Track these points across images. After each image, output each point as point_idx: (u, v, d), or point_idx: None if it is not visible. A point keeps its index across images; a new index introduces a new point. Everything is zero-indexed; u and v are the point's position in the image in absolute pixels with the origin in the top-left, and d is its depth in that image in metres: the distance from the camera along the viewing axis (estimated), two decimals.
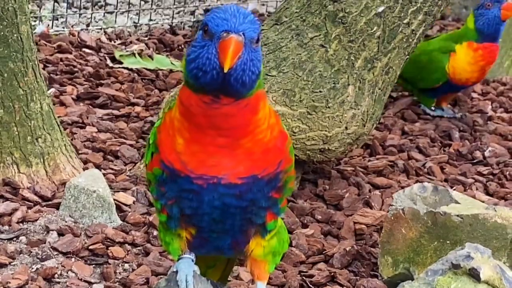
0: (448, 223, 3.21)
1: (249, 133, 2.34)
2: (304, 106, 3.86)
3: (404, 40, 3.97)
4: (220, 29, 2.14)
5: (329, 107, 3.90)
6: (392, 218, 3.32)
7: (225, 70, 2.20)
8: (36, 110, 3.71)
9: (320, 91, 3.89)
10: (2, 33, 3.54)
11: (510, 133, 4.95)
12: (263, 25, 4.10)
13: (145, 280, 3.18)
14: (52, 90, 4.32)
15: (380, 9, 3.86)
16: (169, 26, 5.95)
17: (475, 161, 4.57)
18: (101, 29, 5.66)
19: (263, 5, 6.66)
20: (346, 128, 3.95)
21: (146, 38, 5.66)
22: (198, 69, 2.18)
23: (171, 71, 5.17)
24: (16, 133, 3.67)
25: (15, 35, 3.59)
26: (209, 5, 6.44)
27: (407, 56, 4.10)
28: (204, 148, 2.33)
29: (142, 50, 5.31)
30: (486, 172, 4.41)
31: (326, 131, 3.89)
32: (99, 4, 6.09)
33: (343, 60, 3.93)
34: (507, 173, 4.40)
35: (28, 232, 3.43)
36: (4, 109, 3.62)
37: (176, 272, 2.53)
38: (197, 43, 2.23)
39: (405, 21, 3.91)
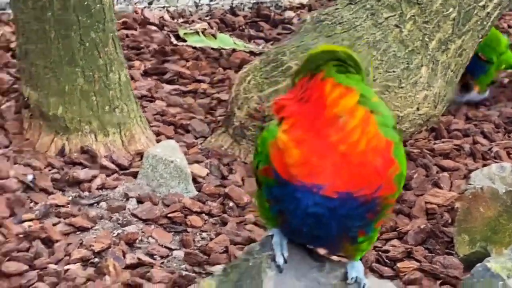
0: None
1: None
2: (377, 85, 3.86)
3: (479, 22, 3.97)
4: None
5: (402, 87, 3.91)
6: (470, 196, 3.33)
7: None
8: (115, 80, 3.78)
9: (394, 71, 3.91)
10: (86, 2, 3.60)
11: None
12: (337, 4, 4.14)
13: (224, 249, 3.22)
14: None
15: None
16: (229, 7, 5.96)
17: None
18: (163, 7, 5.70)
19: None
20: (418, 109, 3.96)
21: (207, 18, 5.71)
22: None
23: (234, 50, 5.20)
24: (95, 102, 3.74)
25: (97, 5, 3.65)
26: None
27: (480, 39, 4.11)
28: (314, 156, 2.38)
29: (205, 29, 5.37)
30: None
31: (398, 111, 3.89)
32: None
33: (417, 41, 3.93)
34: None
35: (108, 198, 3.50)
36: (85, 78, 3.69)
37: (271, 236, 2.57)
38: None
39: (480, 4, 3.91)
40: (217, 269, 2.86)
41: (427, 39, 3.95)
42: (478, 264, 2.83)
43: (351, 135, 2.36)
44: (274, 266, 2.51)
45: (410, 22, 3.94)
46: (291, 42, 4.13)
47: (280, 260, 2.51)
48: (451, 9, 3.91)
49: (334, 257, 2.64)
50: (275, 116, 2.51)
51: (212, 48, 5.17)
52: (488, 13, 3.98)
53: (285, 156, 2.35)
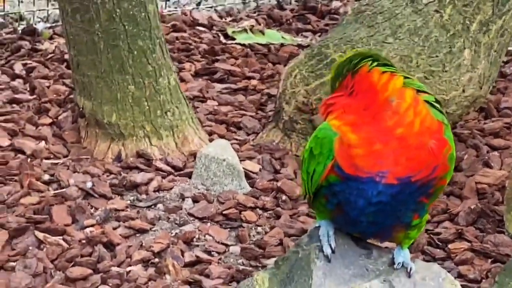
0: None
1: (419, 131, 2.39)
2: (421, 71, 3.89)
3: None
4: None
5: (446, 71, 3.92)
6: None
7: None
8: (164, 85, 3.84)
9: (437, 56, 3.92)
10: (131, 12, 3.66)
11: None
12: None
13: (279, 241, 3.28)
14: (172, 68, 4.44)
15: None
16: (276, 2, 5.99)
17: None
18: (211, 7, 5.78)
19: None
20: (463, 91, 3.97)
21: (255, 15, 5.74)
22: None
23: (282, 44, 5.23)
24: (147, 107, 3.81)
25: (143, 14, 3.71)
26: None
27: None
28: (376, 145, 2.41)
29: (253, 26, 5.40)
30: None
31: (444, 94, 3.92)
32: None
33: (458, 25, 3.93)
34: None
35: (165, 200, 3.58)
36: (135, 85, 3.76)
37: (318, 227, 2.61)
38: None
39: None
40: (272, 262, 2.91)
41: (468, 22, 3.94)
42: None
43: (405, 116, 2.40)
44: (322, 256, 2.56)
45: (450, 7, 3.93)
46: (334, 34, 4.16)
47: (327, 250, 2.56)
48: None
49: (381, 245, 2.70)
50: (324, 116, 2.57)
51: (261, 44, 5.20)
52: None
53: (351, 149, 2.38)
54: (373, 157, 2.41)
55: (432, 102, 2.49)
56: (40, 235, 3.27)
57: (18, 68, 4.54)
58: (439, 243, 3.39)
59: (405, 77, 2.48)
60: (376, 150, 2.40)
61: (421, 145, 2.42)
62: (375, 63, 2.48)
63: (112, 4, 3.67)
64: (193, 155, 3.82)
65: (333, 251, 2.58)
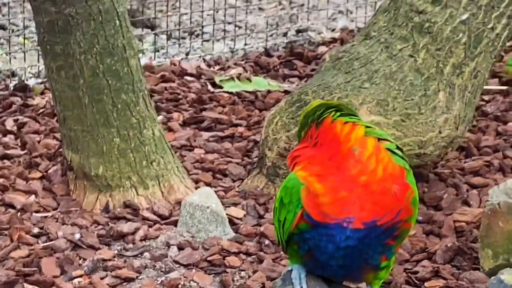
0: None
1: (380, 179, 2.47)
2: (397, 114, 3.91)
3: (490, 44, 3.97)
4: None
5: (421, 113, 3.94)
6: (490, 213, 3.36)
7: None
8: (149, 136, 3.87)
9: (412, 99, 3.94)
10: (114, 67, 3.70)
11: None
12: (353, 41, 4.23)
13: (261, 285, 3.31)
14: (160, 117, 4.48)
15: (464, 16, 3.89)
16: (263, 49, 6.01)
17: None
18: (200, 57, 5.77)
19: (352, 21, 6.70)
20: (440, 132, 3.98)
21: (243, 62, 5.71)
22: None
23: (268, 91, 5.25)
24: (133, 159, 3.84)
25: (125, 68, 3.75)
26: (300, 26, 6.47)
27: (494, 59, 4.13)
28: (341, 193, 2.47)
29: (240, 74, 5.40)
30: None
31: (420, 136, 3.94)
32: (195, 33, 6.21)
33: (432, 68, 3.96)
34: None
35: (151, 248, 3.59)
36: (120, 137, 3.79)
37: (291, 271, 2.66)
38: None
39: (489, 26, 3.90)
40: None
41: (441, 65, 3.96)
42: (493, 277, 2.92)
43: (368, 164, 2.46)
44: None
45: (423, 51, 3.93)
46: (313, 81, 4.19)
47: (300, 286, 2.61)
48: (461, 34, 3.92)
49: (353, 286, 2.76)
50: (291, 168, 2.64)
51: (248, 92, 5.21)
52: (498, 34, 3.96)
53: (318, 198, 2.45)
54: (339, 204, 2.48)
55: (393, 150, 2.54)
56: None
57: (9, 124, 4.56)
58: (416, 281, 3.40)
59: (367, 127, 2.55)
60: (341, 198, 2.47)
61: (384, 191, 2.48)
62: (338, 114, 2.53)
63: (95, 60, 3.69)
64: (179, 203, 3.83)
65: None
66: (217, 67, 5.60)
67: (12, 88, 5.11)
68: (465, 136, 4.36)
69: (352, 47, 4.14)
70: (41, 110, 4.77)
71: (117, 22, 3.72)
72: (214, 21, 6.25)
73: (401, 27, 3.99)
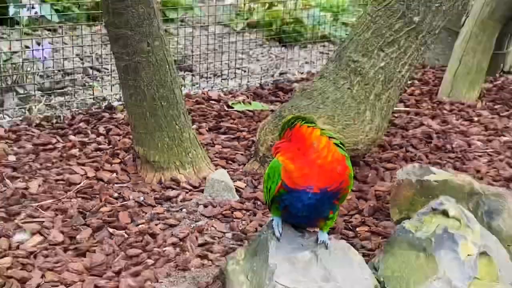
0: (430, 186, 3.25)
1: (329, 162, 2.47)
2: (340, 124, 3.88)
3: (398, 81, 3.94)
4: None
5: (355, 124, 3.91)
6: (396, 185, 3.38)
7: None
8: (186, 137, 3.84)
9: (349, 115, 3.92)
10: (165, 94, 3.67)
11: (466, 133, 4.91)
12: (314, 80, 4.19)
13: (255, 230, 3.30)
14: (194, 126, 4.44)
15: (382, 64, 3.87)
16: (259, 84, 5.98)
17: (446, 150, 4.49)
18: (219, 89, 5.74)
19: (314, 68, 6.68)
20: (366, 135, 3.96)
21: (246, 92, 5.66)
22: None
23: (262, 110, 5.20)
24: (176, 151, 3.81)
25: (172, 95, 3.72)
26: (282, 70, 6.48)
27: (401, 91, 4.10)
28: (306, 171, 2.49)
29: (244, 100, 5.41)
30: (453, 156, 4.42)
31: (354, 138, 3.91)
32: (217, 75, 6.21)
33: (362, 96, 3.93)
34: (466, 157, 4.42)
35: (187, 206, 3.57)
36: (169, 138, 3.77)
37: (272, 220, 2.67)
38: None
39: (397, 70, 3.88)
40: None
41: (367, 94, 3.93)
42: (398, 225, 2.90)
43: (322, 152, 2.49)
44: (274, 238, 2.62)
45: (357, 85, 3.92)
46: (288, 104, 4.15)
47: (277, 234, 2.62)
48: (380, 75, 3.90)
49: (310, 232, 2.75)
50: (274, 154, 2.63)
51: (249, 110, 5.16)
52: (403, 75, 3.95)
53: (291, 173, 2.47)
54: (304, 177, 2.51)
55: (338, 144, 2.58)
56: (111, 230, 3.27)
57: (101, 129, 4.55)
58: (351, 227, 3.41)
59: (322, 129, 2.59)
60: (305, 173, 2.50)
61: (332, 169, 2.52)
62: (304, 121, 2.56)
63: (153, 90, 3.68)
64: (205, 178, 3.80)
65: (280, 235, 2.63)
66: (230, 96, 5.59)
67: (103, 107, 5.09)
68: (382, 138, 4.34)
69: (313, 83, 4.13)
70: (121, 121, 4.74)
71: (167, 66, 3.71)
72: (228, 67, 6.24)
73: (343, 70, 3.97)
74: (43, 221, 3.33)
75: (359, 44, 3.93)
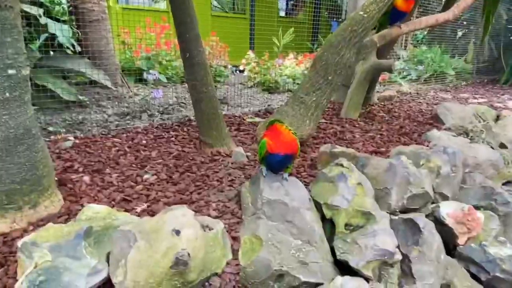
0: (335, 153, 3.22)
1: (289, 142, 2.42)
2: (295, 126, 3.81)
3: (322, 107, 3.87)
4: None
5: (302, 127, 3.84)
6: (320, 153, 3.40)
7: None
8: (224, 132, 3.75)
9: (299, 122, 3.85)
10: (213, 112, 3.60)
11: (353, 132, 4.73)
12: (283, 106, 4.07)
13: (255, 173, 3.07)
14: (228, 128, 4.18)
15: (314, 98, 3.88)
16: (258, 110, 5.76)
17: (343, 139, 4.34)
18: (240, 112, 5.56)
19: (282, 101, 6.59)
20: (307, 132, 3.89)
21: (252, 113, 5.51)
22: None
23: (259, 122, 5.05)
24: (219, 138, 3.72)
25: (216, 113, 3.66)
26: (269, 103, 6.32)
27: (323, 111, 3.98)
28: (277, 146, 2.44)
29: (251, 116, 5.26)
30: (346, 142, 4.29)
31: (301, 133, 3.83)
32: (239, 105, 5.96)
33: (304, 113, 3.87)
34: (353, 142, 4.29)
35: (224, 163, 3.47)
36: (216, 132, 3.68)
37: (261, 168, 2.65)
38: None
39: (321, 101, 3.85)
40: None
41: (307, 112, 3.84)
42: (320, 171, 2.89)
43: (287, 136, 2.42)
44: (262, 176, 2.59)
45: (302, 108, 3.83)
46: (270, 117, 4.07)
47: (264, 174, 2.58)
48: (313, 103, 3.84)
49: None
50: (262, 137, 2.56)
51: (253, 122, 5.01)
52: (323, 104, 3.86)
53: (271, 146, 2.41)
54: (277, 148, 2.41)
55: (294, 132, 2.49)
56: (188, 174, 3.21)
57: (185, 129, 4.47)
58: (299, 173, 3.31)
59: (286, 125, 2.50)
60: (277, 146, 2.41)
61: (292, 144, 2.42)
62: (277, 122, 2.50)
63: (208, 111, 3.57)
64: (232, 151, 3.72)
65: (265, 175, 2.57)
66: (244, 115, 5.46)
67: (186, 119, 4.92)
68: (314, 133, 4.34)
69: (282, 107, 4.07)
70: (194, 125, 4.61)
71: (215, 99, 3.70)
72: (245, 102, 6.11)
73: (296, 101, 3.92)
74: (157, 169, 3.35)
75: (303, 89, 3.91)
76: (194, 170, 3.34)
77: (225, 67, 7.59)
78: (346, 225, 2.39)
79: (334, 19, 11.14)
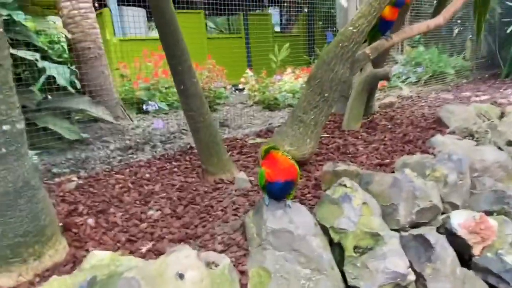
0: (338, 172, 3.12)
1: (288, 168, 2.36)
2: (296, 146, 3.75)
3: (320, 124, 3.77)
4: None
5: (303, 146, 3.77)
6: (323, 173, 3.29)
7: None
8: (225, 158, 3.67)
9: (300, 141, 3.78)
10: (212, 139, 3.50)
11: (355, 144, 4.61)
12: (282, 126, 4.01)
13: (258, 200, 3.05)
14: (229, 152, 4.02)
15: (312, 116, 3.78)
16: (260, 130, 5.67)
17: (346, 153, 4.22)
18: (242, 134, 5.50)
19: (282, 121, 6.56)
20: (308, 150, 3.81)
21: (253, 134, 5.44)
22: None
23: (261, 142, 4.96)
24: (220, 165, 3.64)
25: (216, 139, 3.58)
26: (270, 122, 6.26)
27: (323, 127, 3.97)
28: (275, 174, 2.37)
29: (254, 138, 5.20)
30: (350, 156, 4.16)
31: (303, 152, 3.77)
32: (240, 127, 5.88)
33: (304, 132, 3.79)
34: (356, 156, 4.17)
35: (227, 191, 3.39)
36: (217, 159, 3.61)
37: (264, 197, 2.58)
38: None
39: (319, 119, 3.76)
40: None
41: (307, 131, 3.76)
42: (324, 193, 2.83)
43: (285, 162, 2.35)
44: (265, 205, 2.51)
45: (302, 128, 3.71)
46: (271, 138, 4.01)
47: (266, 203, 2.50)
48: (312, 122, 3.74)
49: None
50: (261, 166, 2.50)
51: (255, 143, 4.93)
52: (322, 120, 3.77)
53: (269, 175, 2.35)
54: (276, 176, 2.35)
55: (290, 158, 2.43)
56: (192, 206, 3.13)
57: (187, 158, 4.41)
58: (303, 195, 3.24)
59: (283, 152, 2.45)
60: (276, 173, 2.35)
61: (290, 170, 2.35)
62: (272, 149, 2.43)
63: (207, 138, 3.49)
64: (234, 178, 3.64)
65: (267, 204, 2.49)
66: (246, 136, 5.36)
67: (188, 147, 4.86)
68: (315, 150, 4.22)
69: (282, 127, 4.01)
70: (196, 153, 4.48)
71: (213, 128, 3.61)
72: (246, 123, 6.08)
73: (295, 120, 3.84)
74: (161, 204, 3.30)
75: (301, 108, 3.82)
76: (197, 201, 3.19)
77: (225, 88, 7.62)
78: (355, 247, 2.28)
79: (329, 30, 11.16)
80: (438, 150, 3.75)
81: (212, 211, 2.96)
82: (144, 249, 2.60)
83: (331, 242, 2.35)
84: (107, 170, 4.18)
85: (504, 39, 9.05)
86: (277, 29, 13.04)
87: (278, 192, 2.35)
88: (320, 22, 11.14)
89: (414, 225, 2.60)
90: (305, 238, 2.22)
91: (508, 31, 8.63)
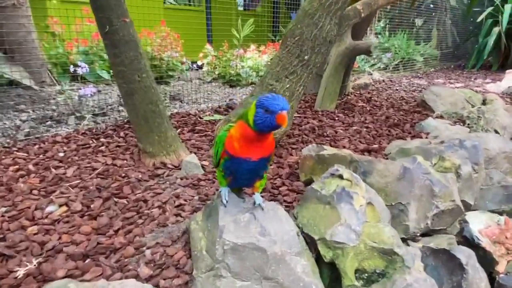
0: (324, 157, 2.36)
1: (266, 141, 1.58)
2: None
3: (297, 96, 3.05)
4: (278, 109, 1.43)
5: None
6: (303, 158, 2.49)
7: (285, 128, 1.50)
8: (170, 135, 2.81)
9: None
10: (152, 108, 2.65)
11: (333, 126, 4.01)
12: (247, 97, 3.26)
13: (213, 193, 2.31)
14: (179, 130, 3.40)
15: (287, 86, 3.00)
16: (218, 106, 4.96)
17: (324, 136, 3.56)
18: (196, 109, 4.73)
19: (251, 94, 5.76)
20: (281, 129, 3.07)
21: (211, 110, 4.69)
22: (264, 126, 1.48)
23: (219, 119, 4.20)
24: (163, 144, 2.78)
25: (157, 109, 2.69)
26: (231, 99, 5.53)
27: (298, 102, 3.20)
28: (248, 147, 1.59)
29: (209, 114, 4.41)
30: (328, 139, 3.50)
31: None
32: (195, 102, 5.17)
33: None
34: (336, 139, 3.52)
35: (170, 179, 2.56)
36: (158, 136, 2.74)
37: (220, 191, 1.73)
38: (261, 115, 1.46)
39: (296, 89, 3.03)
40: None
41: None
42: (308, 186, 1.99)
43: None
44: (222, 204, 1.68)
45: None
46: (232, 113, 3.20)
47: (224, 201, 1.74)
48: (286, 92, 3.01)
49: (249, 196, 1.80)
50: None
51: (212, 120, 4.14)
52: (300, 92, 3.08)
53: (233, 146, 1.60)
54: (246, 151, 1.68)
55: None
56: (116, 199, 2.23)
57: (121, 134, 3.49)
58: (275, 187, 2.45)
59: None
60: (248, 147, 1.71)
61: (270, 145, 1.61)
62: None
63: (144, 106, 2.67)
64: (182, 161, 2.79)
65: (226, 202, 1.74)
66: (201, 112, 4.59)
67: (125, 121, 3.95)
68: (288, 130, 3.42)
69: (247, 99, 3.18)
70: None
71: (153, 90, 2.71)
72: (202, 98, 5.20)
73: (264, 91, 3.07)
74: (70, 196, 2.27)
75: (273, 74, 3.00)
76: (125, 193, 2.31)
77: (182, 62, 6.61)
78: (357, 271, 1.48)
79: (294, 12, 10.60)
80: (433, 136, 3.05)
81: (145, 208, 2.21)
82: (21, 272, 1.58)
83: (317, 259, 1.68)
84: (6, 146, 3.02)
85: (470, 31, 9.01)
86: (241, 9, 12.22)
87: (247, 175, 1.65)
88: (285, 1, 10.43)
89: (426, 233, 1.91)
90: (285, 259, 1.60)
91: (479, 20, 8.47)
